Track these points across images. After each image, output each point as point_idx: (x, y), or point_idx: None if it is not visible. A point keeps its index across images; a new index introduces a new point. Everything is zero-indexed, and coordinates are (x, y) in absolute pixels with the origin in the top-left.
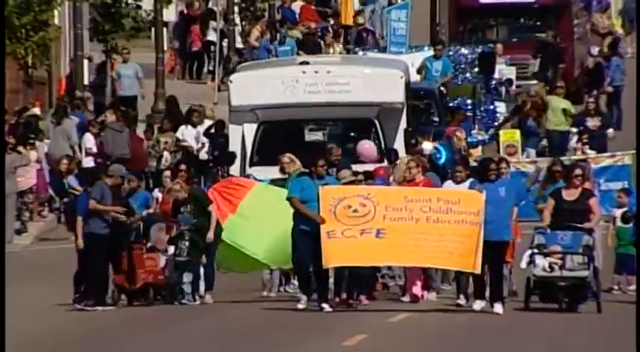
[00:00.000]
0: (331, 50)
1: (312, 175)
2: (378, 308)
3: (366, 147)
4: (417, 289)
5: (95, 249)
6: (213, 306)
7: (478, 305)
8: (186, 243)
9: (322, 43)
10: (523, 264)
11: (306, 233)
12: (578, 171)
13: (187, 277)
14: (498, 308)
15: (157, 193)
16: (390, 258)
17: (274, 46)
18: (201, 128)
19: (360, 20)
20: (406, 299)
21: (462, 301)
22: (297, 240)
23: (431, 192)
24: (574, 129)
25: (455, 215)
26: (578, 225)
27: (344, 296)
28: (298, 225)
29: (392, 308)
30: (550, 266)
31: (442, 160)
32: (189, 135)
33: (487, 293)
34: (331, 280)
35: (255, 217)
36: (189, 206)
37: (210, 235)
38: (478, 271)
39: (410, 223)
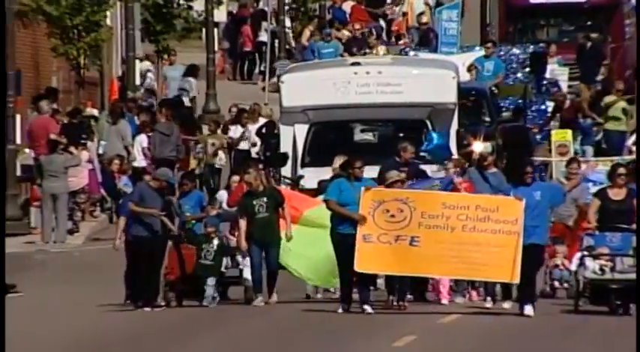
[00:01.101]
0: (374, 51)
1: (349, 177)
2: (428, 309)
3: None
4: (443, 293)
5: (139, 252)
6: (260, 307)
7: (508, 303)
8: (214, 247)
9: (367, 44)
10: (573, 267)
11: (345, 236)
12: (621, 170)
13: (211, 281)
14: (528, 310)
15: (224, 195)
16: (423, 268)
17: (317, 46)
18: (253, 127)
19: (424, 19)
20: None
21: (489, 304)
22: (337, 244)
23: (470, 199)
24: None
25: (492, 223)
26: (625, 227)
27: (393, 298)
28: (336, 229)
29: (442, 310)
30: (601, 269)
31: (430, 145)
32: (239, 135)
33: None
34: (380, 281)
35: (301, 240)
36: (264, 199)
37: (289, 233)
38: (517, 281)
39: (445, 232)
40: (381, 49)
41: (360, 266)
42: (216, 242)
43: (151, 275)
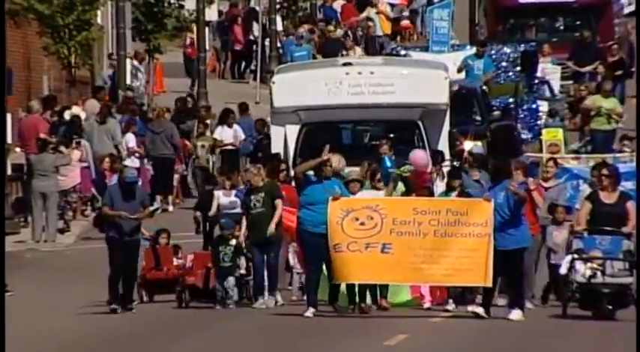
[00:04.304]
0: (352, 54)
1: (319, 176)
2: (419, 309)
3: (419, 155)
4: (426, 299)
5: (113, 253)
6: (245, 309)
7: (478, 309)
8: (230, 249)
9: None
10: (563, 270)
11: (314, 235)
12: (604, 171)
13: (229, 282)
14: (515, 315)
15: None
16: (395, 276)
17: (290, 50)
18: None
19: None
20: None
21: (450, 307)
22: (306, 244)
23: (441, 203)
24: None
25: (462, 227)
26: (615, 229)
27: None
28: (305, 227)
29: (433, 310)
30: (592, 273)
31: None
32: (226, 135)
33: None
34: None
35: None
36: (261, 194)
37: (272, 227)
38: (489, 285)
39: (417, 238)
40: (358, 49)
41: (336, 278)
42: (233, 243)
43: (126, 277)
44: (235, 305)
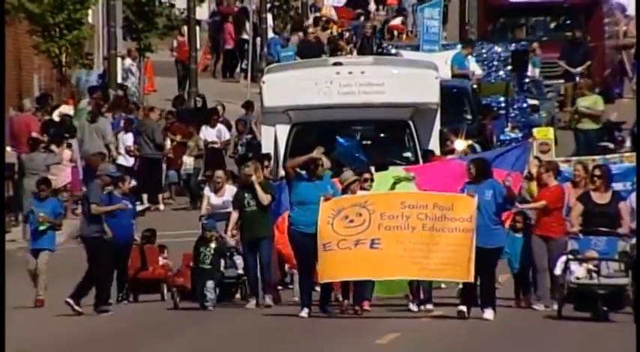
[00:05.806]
0: (343, 54)
1: (311, 176)
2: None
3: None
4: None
5: (97, 253)
6: (238, 310)
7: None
8: (211, 250)
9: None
10: (558, 271)
11: (306, 235)
12: (596, 172)
13: (210, 284)
14: (489, 314)
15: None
16: (385, 271)
17: (277, 50)
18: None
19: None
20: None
21: (413, 307)
22: (297, 244)
23: (427, 197)
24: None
25: (448, 222)
26: (610, 230)
27: (348, 302)
28: (298, 227)
29: (425, 309)
30: (588, 274)
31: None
32: (210, 135)
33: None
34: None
35: None
36: (254, 192)
37: (262, 231)
38: (471, 280)
39: (406, 232)
40: (351, 51)
41: (322, 276)
42: (213, 245)
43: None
44: (214, 307)
